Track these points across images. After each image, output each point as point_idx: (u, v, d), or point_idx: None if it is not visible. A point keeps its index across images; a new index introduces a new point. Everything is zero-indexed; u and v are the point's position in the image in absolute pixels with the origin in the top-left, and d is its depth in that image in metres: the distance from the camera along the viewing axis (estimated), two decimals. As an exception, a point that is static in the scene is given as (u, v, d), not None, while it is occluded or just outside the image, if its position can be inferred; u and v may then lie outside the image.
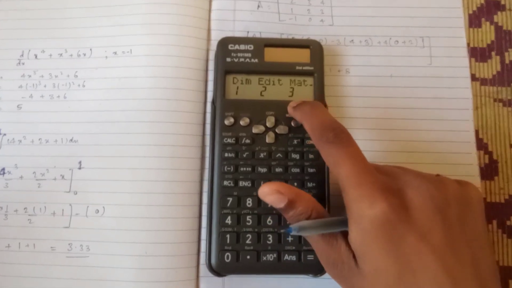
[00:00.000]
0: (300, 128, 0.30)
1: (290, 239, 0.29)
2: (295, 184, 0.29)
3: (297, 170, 0.29)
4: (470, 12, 0.35)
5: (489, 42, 0.35)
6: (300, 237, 0.29)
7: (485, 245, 0.23)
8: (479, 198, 0.25)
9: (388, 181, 0.23)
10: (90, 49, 0.33)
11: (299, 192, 0.25)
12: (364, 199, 0.22)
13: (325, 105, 0.31)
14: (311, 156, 0.30)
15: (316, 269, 0.29)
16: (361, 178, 0.22)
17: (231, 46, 0.31)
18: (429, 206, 0.22)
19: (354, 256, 0.23)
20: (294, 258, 0.28)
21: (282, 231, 0.29)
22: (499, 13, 0.36)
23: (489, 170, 0.33)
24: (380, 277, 0.21)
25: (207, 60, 0.34)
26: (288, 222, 0.25)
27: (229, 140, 0.30)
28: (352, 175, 0.23)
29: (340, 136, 0.24)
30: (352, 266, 0.22)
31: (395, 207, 0.22)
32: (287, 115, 0.30)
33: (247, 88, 0.31)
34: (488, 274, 0.22)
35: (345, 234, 0.23)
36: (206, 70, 0.34)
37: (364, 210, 0.22)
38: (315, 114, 0.26)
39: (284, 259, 0.28)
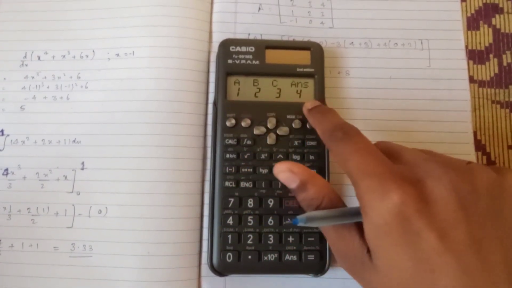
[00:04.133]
0: (301, 130, 0.30)
1: (291, 239, 0.29)
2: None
3: (298, 171, 0.30)
4: (469, 15, 0.36)
5: (487, 44, 0.35)
6: (301, 236, 0.29)
7: None
8: None
9: (405, 170, 0.21)
10: (93, 51, 0.34)
11: (313, 175, 0.24)
12: (375, 190, 0.20)
13: (326, 107, 0.31)
14: (311, 157, 0.30)
15: (317, 269, 0.29)
16: (371, 169, 0.21)
17: (233, 48, 0.32)
18: (452, 200, 0.20)
19: (368, 250, 0.21)
20: (295, 258, 0.29)
21: (287, 221, 0.28)
22: (497, 16, 0.36)
23: (487, 171, 0.33)
24: (395, 274, 0.20)
25: (208, 62, 0.34)
26: (300, 206, 0.24)
27: (230, 141, 0.30)
28: (361, 166, 0.21)
29: (349, 132, 0.24)
30: (366, 261, 0.21)
31: (411, 199, 0.19)
32: (288, 116, 0.31)
33: (248, 90, 0.31)
34: None
35: (360, 226, 0.22)
36: (208, 71, 0.34)
37: (375, 202, 0.20)
38: (326, 119, 0.27)
39: (285, 259, 0.29)
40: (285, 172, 0.24)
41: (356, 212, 0.22)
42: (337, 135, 0.24)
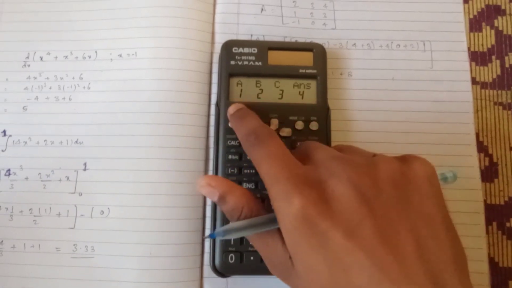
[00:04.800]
0: (303, 131, 0.30)
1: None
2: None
3: (300, 172, 0.30)
4: (471, 16, 0.36)
5: (489, 46, 0.36)
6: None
7: (439, 230, 0.20)
8: (427, 174, 0.21)
9: (311, 172, 0.21)
10: (95, 52, 0.34)
11: (232, 186, 0.23)
12: (281, 196, 0.20)
13: (328, 108, 0.31)
14: (314, 158, 0.30)
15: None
16: (278, 175, 0.21)
17: (235, 49, 0.32)
18: (353, 197, 0.20)
19: (291, 256, 0.21)
20: (297, 259, 0.29)
21: (205, 237, 0.29)
22: (499, 17, 0.36)
23: (489, 173, 0.33)
24: (313, 277, 0.20)
25: (211, 63, 0.34)
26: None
27: (233, 142, 0.30)
28: (270, 172, 0.21)
29: (260, 137, 0.24)
30: (289, 266, 0.21)
31: (312, 201, 0.20)
32: (290, 118, 0.30)
33: (250, 91, 0.31)
34: (443, 264, 0.19)
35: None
36: (210, 72, 0.34)
37: (283, 208, 0.20)
38: (243, 124, 0.26)
39: (288, 260, 0.29)
40: (205, 187, 0.23)
41: (272, 220, 0.22)
42: (250, 140, 0.24)
